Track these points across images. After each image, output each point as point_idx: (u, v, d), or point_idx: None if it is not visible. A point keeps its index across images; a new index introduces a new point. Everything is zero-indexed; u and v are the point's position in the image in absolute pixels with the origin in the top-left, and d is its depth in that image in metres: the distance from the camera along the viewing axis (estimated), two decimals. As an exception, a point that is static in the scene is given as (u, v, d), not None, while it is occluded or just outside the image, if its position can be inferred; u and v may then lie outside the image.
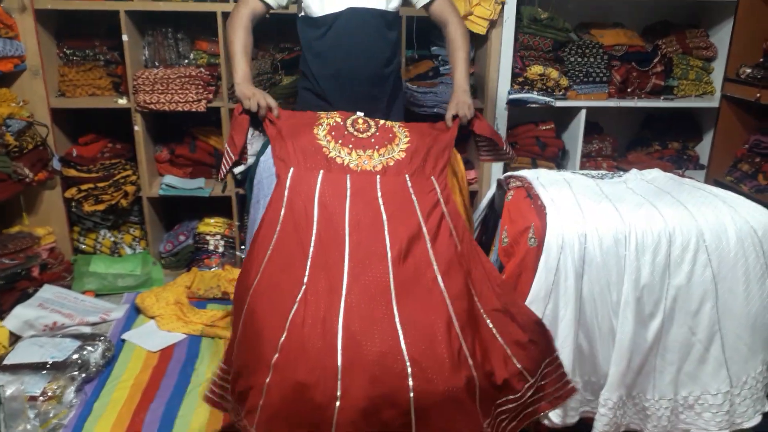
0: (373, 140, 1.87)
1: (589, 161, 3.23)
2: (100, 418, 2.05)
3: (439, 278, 1.59)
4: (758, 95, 2.72)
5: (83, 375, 2.20)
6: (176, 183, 3.06)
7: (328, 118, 1.91)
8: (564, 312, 1.70)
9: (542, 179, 1.97)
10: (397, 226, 1.66)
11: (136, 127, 2.93)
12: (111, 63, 3.06)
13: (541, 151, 3.11)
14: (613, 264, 1.70)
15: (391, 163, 1.82)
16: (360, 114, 1.94)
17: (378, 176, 1.80)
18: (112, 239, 3.12)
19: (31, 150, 2.66)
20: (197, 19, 2.98)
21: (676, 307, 1.71)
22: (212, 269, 3.06)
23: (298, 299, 1.52)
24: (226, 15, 2.60)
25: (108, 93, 3.05)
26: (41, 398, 2.02)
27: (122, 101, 2.92)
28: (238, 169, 2.92)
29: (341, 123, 1.89)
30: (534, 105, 2.94)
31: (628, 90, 3.11)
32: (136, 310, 2.76)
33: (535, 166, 3.08)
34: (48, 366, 2.16)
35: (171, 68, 2.93)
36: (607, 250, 1.69)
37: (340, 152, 1.82)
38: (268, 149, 1.93)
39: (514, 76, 2.94)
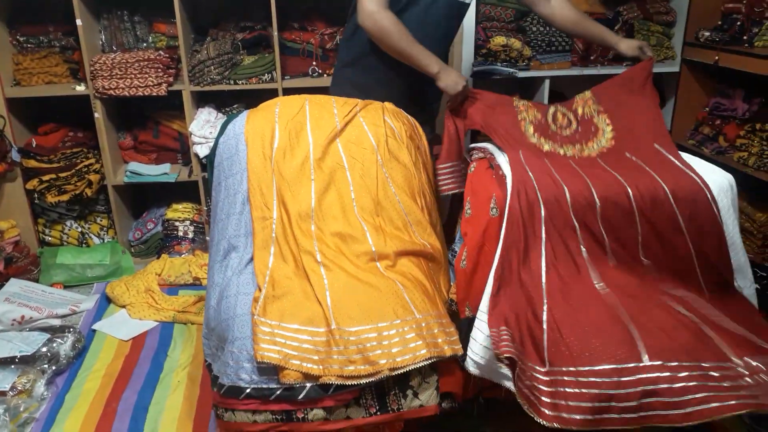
0: (577, 136, 1.91)
1: (556, 130, 3.25)
2: (72, 410, 2.04)
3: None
4: (717, 58, 2.75)
5: (53, 368, 2.19)
6: (141, 170, 3.02)
7: (527, 113, 1.93)
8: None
9: (504, 149, 1.98)
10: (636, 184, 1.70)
11: (96, 114, 2.88)
12: (67, 49, 2.99)
13: (508, 122, 3.11)
14: (575, 231, 1.72)
15: (605, 151, 1.87)
16: (552, 108, 1.95)
17: (598, 158, 1.84)
18: (79, 230, 3.08)
19: (-13, 142, 2.61)
20: (154, 0, 2.91)
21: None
22: (182, 255, 3.04)
23: None
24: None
25: (66, 80, 2.99)
26: (11, 393, 2.01)
27: (80, 88, 2.86)
28: (202, 152, 2.91)
29: (542, 120, 1.93)
30: (498, 76, 2.93)
31: (591, 58, 3.11)
32: (106, 300, 2.74)
33: (501, 137, 3.09)
34: (17, 360, 2.14)
35: (129, 52, 2.87)
36: (568, 217, 1.71)
37: (553, 148, 1.88)
38: (227, 130, 1.90)
39: (477, 47, 2.92)
